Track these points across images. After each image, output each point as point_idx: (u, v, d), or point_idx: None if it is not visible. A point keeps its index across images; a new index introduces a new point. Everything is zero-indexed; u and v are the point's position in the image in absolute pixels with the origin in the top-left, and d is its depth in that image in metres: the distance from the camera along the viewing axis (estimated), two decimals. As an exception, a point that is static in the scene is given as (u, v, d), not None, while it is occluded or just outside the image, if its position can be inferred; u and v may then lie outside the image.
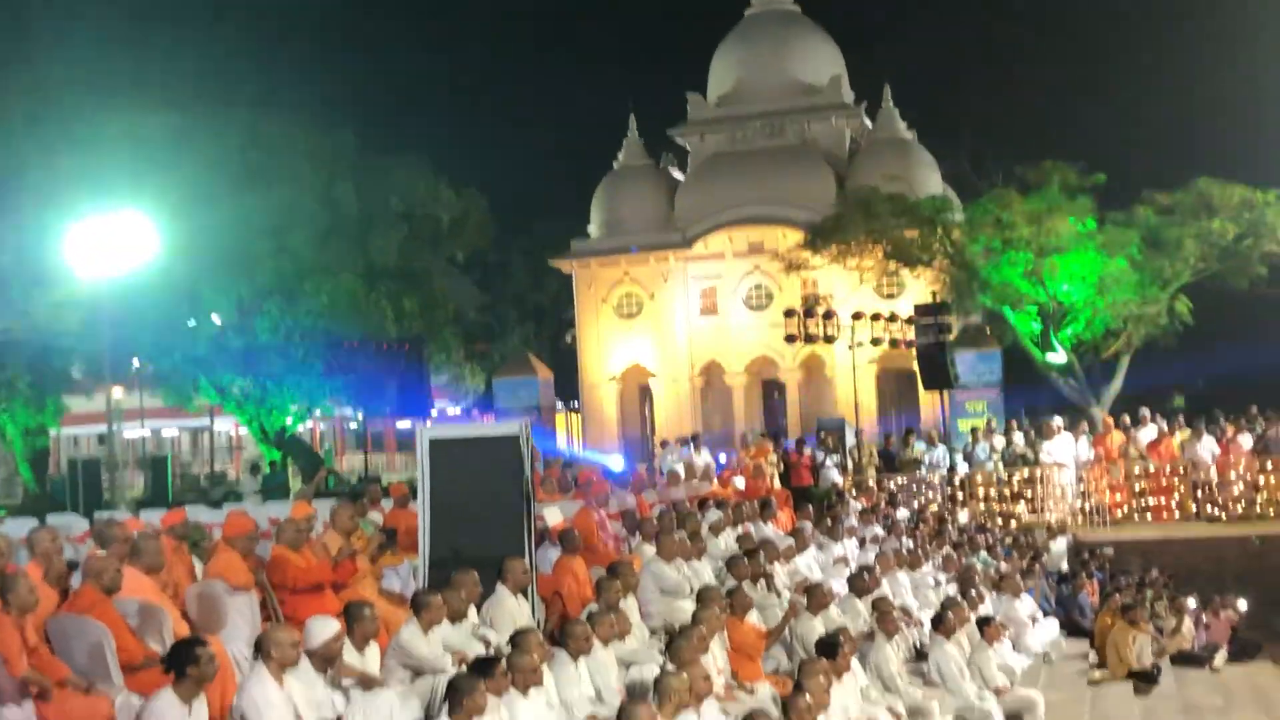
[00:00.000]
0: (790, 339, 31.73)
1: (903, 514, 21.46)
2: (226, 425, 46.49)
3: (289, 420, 33.65)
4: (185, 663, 7.32)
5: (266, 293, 30.73)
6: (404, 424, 42.34)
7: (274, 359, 31.14)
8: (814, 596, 12.89)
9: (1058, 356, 30.10)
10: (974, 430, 26.98)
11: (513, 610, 10.67)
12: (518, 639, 9.11)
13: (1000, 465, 25.19)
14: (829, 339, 31.13)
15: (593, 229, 48.18)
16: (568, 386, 47.46)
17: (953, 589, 15.87)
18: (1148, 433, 25.47)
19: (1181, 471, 24.12)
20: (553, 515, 15.36)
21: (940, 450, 25.92)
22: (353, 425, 50.77)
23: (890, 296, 38.87)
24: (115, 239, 25.01)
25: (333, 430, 52.50)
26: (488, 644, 9.86)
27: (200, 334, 30.80)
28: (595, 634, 10.03)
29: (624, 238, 46.53)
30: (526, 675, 8.83)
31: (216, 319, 30.84)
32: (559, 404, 43.45)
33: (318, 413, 37.86)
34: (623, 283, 46.93)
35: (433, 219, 34.05)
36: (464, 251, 38.09)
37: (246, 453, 44.43)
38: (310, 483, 22.93)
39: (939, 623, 13.46)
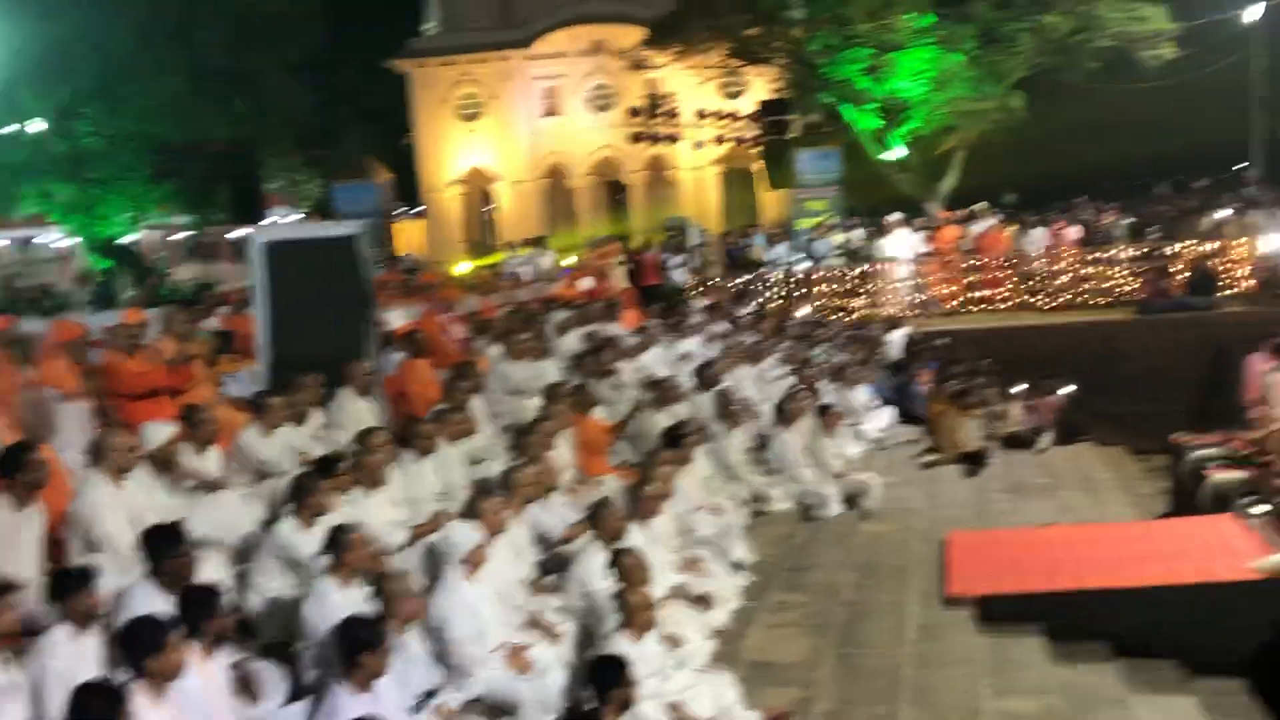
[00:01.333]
0: (635, 138, 31.45)
1: (746, 310, 21.75)
2: (55, 237, 44.70)
3: (119, 230, 32.45)
4: (13, 469, 7.12)
5: (87, 96, 29.29)
6: (239, 233, 41.24)
7: (99, 164, 29.88)
8: (659, 391, 13.08)
9: (896, 153, 30.40)
10: (814, 227, 27.30)
11: (357, 412, 10.60)
12: (362, 438, 9.06)
13: (839, 261, 25.61)
14: (672, 139, 30.94)
15: (430, 27, 46.66)
16: (411, 191, 46.57)
17: (793, 381, 16.24)
18: (980, 227, 26.09)
19: (1012, 263, 24.81)
20: (397, 319, 15.22)
21: (782, 248, 26.22)
22: (185, 235, 49.26)
23: (733, 96, 38.64)
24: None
25: (165, 240, 50.86)
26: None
27: (21, 140, 29.36)
28: (442, 433, 10.04)
29: (462, 35, 45.20)
30: (372, 474, 8.82)
31: (37, 124, 29.41)
32: (402, 209, 42.69)
33: (149, 222, 36.59)
34: (462, 83, 45.80)
35: (261, 15, 32.57)
36: (295, 52, 36.60)
37: (76, 264, 42.93)
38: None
39: (780, 413, 13.80)
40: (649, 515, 9.52)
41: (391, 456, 9.26)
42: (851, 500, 13.05)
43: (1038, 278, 24.56)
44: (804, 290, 24.71)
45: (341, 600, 7.12)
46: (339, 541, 7.37)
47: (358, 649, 6.44)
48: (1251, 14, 33.37)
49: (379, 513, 8.72)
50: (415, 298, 17.84)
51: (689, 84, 36.74)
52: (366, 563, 7.46)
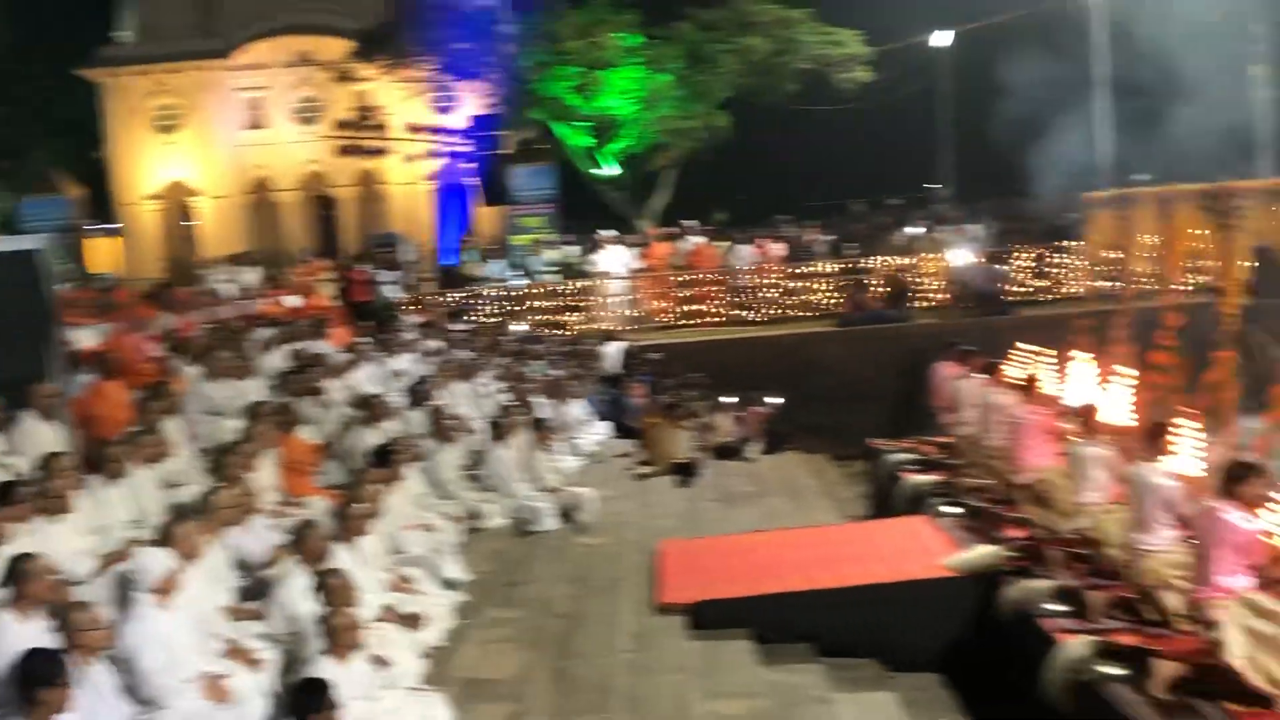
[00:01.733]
0: (343, 151, 30.79)
1: (460, 327, 21.58)
2: None
3: None
4: None
5: None
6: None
7: None
8: (368, 408, 12.81)
9: (608, 171, 30.79)
10: (529, 244, 27.36)
11: (39, 435, 9.94)
12: (45, 463, 8.52)
13: (554, 277, 25.73)
14: (382, 152, 30.45)
15: (125, 35, 44.53)
16: (106, 206, 44.30)
17: (508, 397, 16.18)
18: (691, 243, 26.66)
19: (722, 279, 25.43)
20: (87, 338, 14.39)
21: (497, 264, 26.15)
22: None
23: (445, 110, 38.31)
24: None
25: None
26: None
27: None
28: (133, 456, 9.53)
29: (159, 45, 43.31)
30: (56, 500, 8.28)
31: None
32: (96, 225, 40.57)
33: None
34: (158, 94, 43.87)
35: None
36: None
37: None
38: None
39: (494, 429, 13.72)
40: (356, 535, 9.27)
41: (78, 482, 8.73)
42: (567, 514, 13.05)
43: (746, 293, 25.23)
44: (519, 306, 24.69)
45: (21, 633, 6.64)
46: (18, 572, 6.90)
47: (37, 684, 6.04)
48: (940, 40, 35.30)
49: (64, 541, 8.19)
50: (107, 316, 16.90)
51: (399, 97, 36.28)
52: (48, 593, 6.98)
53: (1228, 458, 8.52)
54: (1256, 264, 12.47)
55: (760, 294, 25.25)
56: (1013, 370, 14.12)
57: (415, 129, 30.74)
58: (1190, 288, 15.73)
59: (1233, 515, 7.56)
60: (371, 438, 12.18)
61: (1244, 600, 7.50)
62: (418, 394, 14.35)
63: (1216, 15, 23.92)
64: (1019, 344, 14.88)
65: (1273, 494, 8.62)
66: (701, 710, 8.37)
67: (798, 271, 25.48)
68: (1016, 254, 25.19)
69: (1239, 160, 24.45)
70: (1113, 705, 7.66)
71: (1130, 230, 14.97)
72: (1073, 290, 23.61)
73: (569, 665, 9.03)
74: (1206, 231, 12.40)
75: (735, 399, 19.33)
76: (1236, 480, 7.69)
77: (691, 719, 8.25)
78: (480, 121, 29.60)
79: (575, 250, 26.79)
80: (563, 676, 8.84)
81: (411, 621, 8.94)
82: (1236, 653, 7.41)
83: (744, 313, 25.02)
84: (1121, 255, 16.05)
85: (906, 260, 25.71)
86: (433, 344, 18.58)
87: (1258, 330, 12.36)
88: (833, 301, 24.88)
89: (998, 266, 24.65)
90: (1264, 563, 8.29)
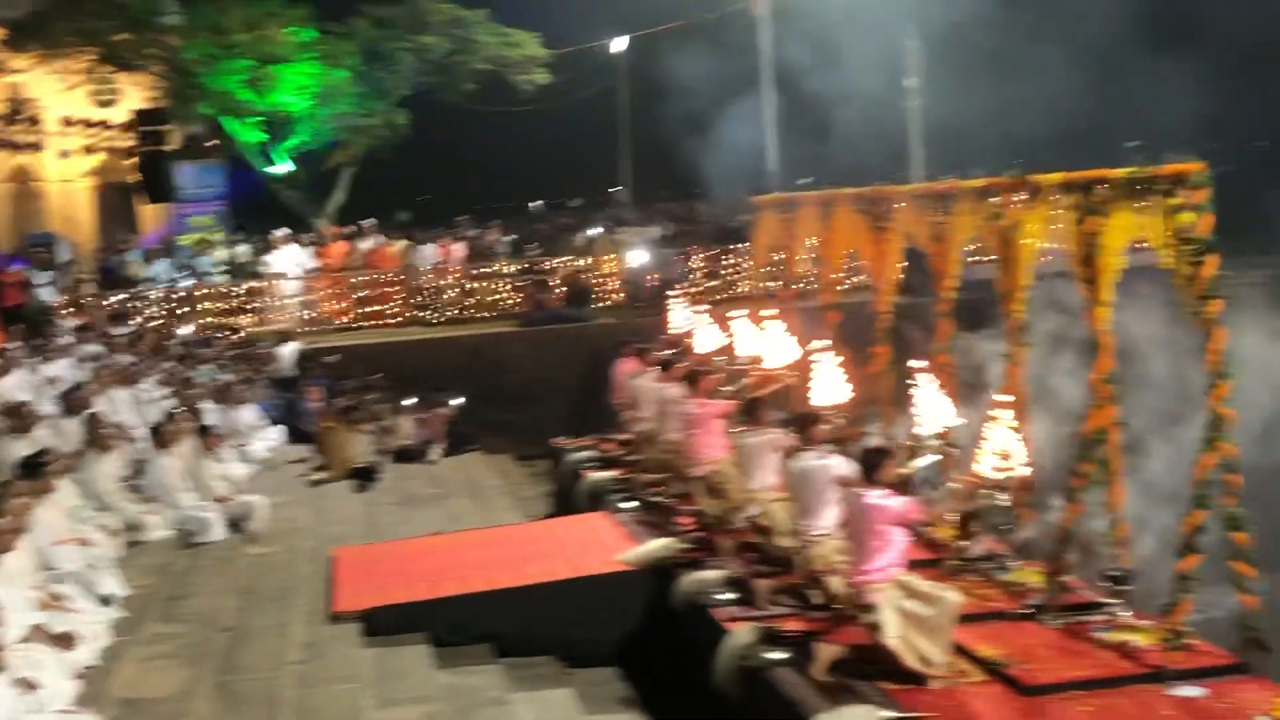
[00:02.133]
0: (-5, 147, 28.83)
1: (122, 330, 20.51)
2: None
3: None
4: None
5: None
6: None
7: None
8: (17, 417, 12.01)
9: (282, 168, 29.89)
10: (198, 244, 26.27)
11: None
12: None
13: (225, 278, 24.78)
14: (35, 147, 28.65)
15: None
16: None
17: (172, 403, 15.47)
18: (370, 243, 26.17)
19: (401, 279, 25.07)
20: None
21: (163, 265, 24.96)
22: None
23: (106, 104, 36.33)
24: None
25: None
26: None
27: None
28: None
29: None
30: None
31: None
32: None
33: None
34: None
35: None
36: None
37: None
38: None
39: (156, 436, 13.08)
40: (1, 551, 8.64)
41: None
42: (236, 523, 12.59)
43: (427, 293, 24.96)
44: (186, 308, 23.65)
45: None
46: None
47: None
48: (618, 45, 35.89)
49: None
50: None
51: (54, 90, 34.19)
52: None
53: (862, 446, 8.94)
54: (907, 264, 13.18)
55: (441, 295, 25.03)
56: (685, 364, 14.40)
57: (71, 123, 29.01)
58: (848, 287, 16.52)
59: (876, 498, 7.91)
60: (20, 448, 11.42)
61: (897, 582, 7.86)
62: (73, 401, 13.53)
63: (874, 30, 25.27)
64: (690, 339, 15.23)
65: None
66: (374, 718, 8.17)
67: (479, 272, 25.39)
68: (691, 255, 25.83)
69: (894, 166, 25.90)
70: (776, 689, 7.90)
71: (793, 232, 15.59)
72: (743, 291, 24.36)
73: (234, 680, 8.67)
74: (863, 234, 13.02)
75: (416, 401, 19.07)
76: (874, 466, 8.06)
77: (364, 728, 8.05)
78: (143, 115, 28.19)
79: (247, 250, 25.84)
80: (227, 691, 8.48)
81: (64, 641, 8.40)
82: (891, 634, 7.76)
83: (425, 314, 24.74)
84: (785, 256, 16.72)
85: (586, 261, 26.00)
86: (91, 348, 17.58)
87: (909, 326, 13.04)
88: (514, 302, 24.90)
89: (675, 258, 25.22)
90: (921, 526, 8.81)
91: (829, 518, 9.05)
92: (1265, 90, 32.84)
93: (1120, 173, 8.29)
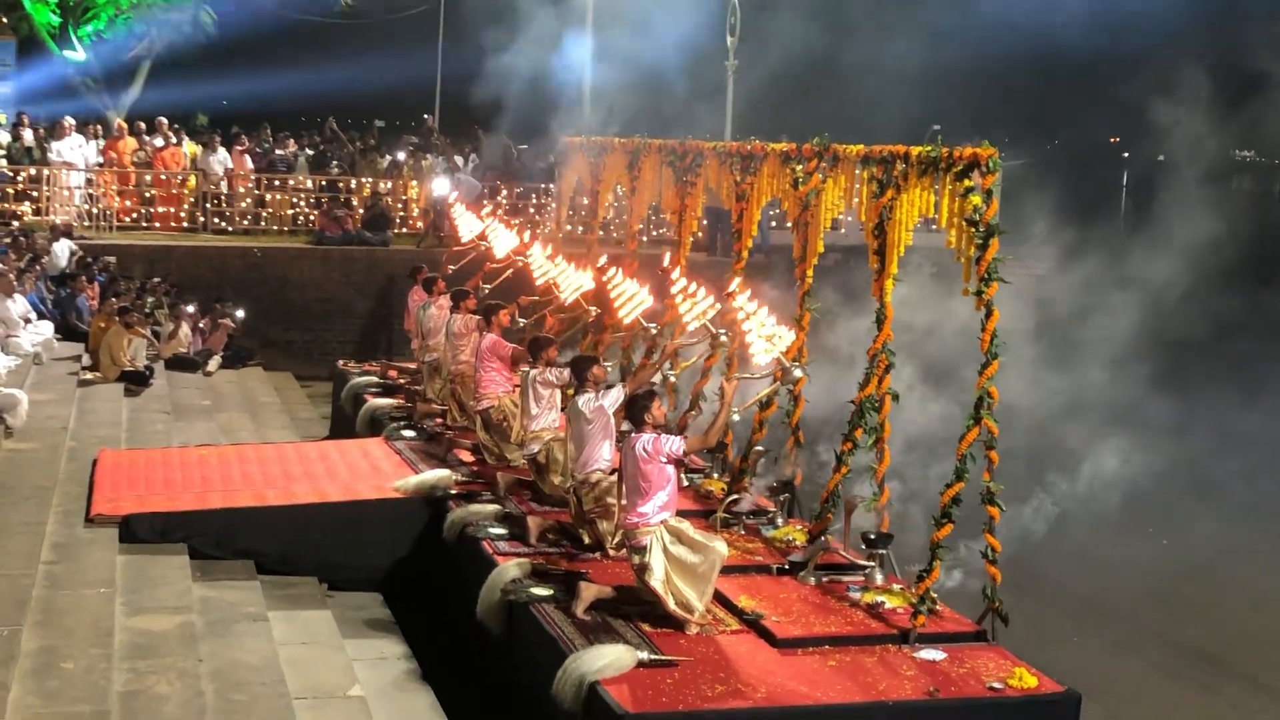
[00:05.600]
0: None
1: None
2: None
3: None
4: None
5: None
6: None
7: None
8: None
9: (76, 54, 28.43)
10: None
11: None
12: None
13: (4, 162, 23.51)
14: None
15: None
16: None
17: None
18: (161, 142, 25.10)
19: (192, 182, 24.18)
20: None
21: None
22: None
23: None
24: None
25: None
26: None
27: None
28: None
29: None
30: None
31: None
32: None
33: None
34: None
35: None
36: None
37: None
38: None
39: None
40: None
41: None
42: (-6, 417, 12.03)
43: (218, 200, 24.14)
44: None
45: None
46: None
47: None
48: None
49: None
50: None
51: None
52: None
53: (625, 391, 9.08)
54: (706, 222, 13.32)
55: (234, 203, 24.24)
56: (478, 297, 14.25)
57: None
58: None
59: (646, 440, 8.01)
60: None
61: (667, 527, 7.99)
62: None
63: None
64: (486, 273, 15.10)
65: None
66: (124, 624, 7.93)
67: (275, 183, 24.67)
68: (496, 189, 25.60)
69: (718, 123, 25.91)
70: (537, 624, 7.96)
71: (601, 177, 15.61)
72: (544, 231, 24.22)
73: (-20, 577, 8.31)
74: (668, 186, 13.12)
75: (197, 309, 18.52)
76: (640, 409, 8.18)
77: (114, 634, 7.79)
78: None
79: (29, 134, 24.52)
80: (-29, 589, 8.12)
81: None
82: (657, 577, 7.89)
83: (215, 220, 23.90)
84: (589, 201, 16.73)
85: (388, 184, 25.53)
86: None
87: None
88: (309, 219, 24.28)
89: (481, 189, 24.86)
90: (689, 461, 8.98)
91: (604, 459, 9.15)
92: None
93: (918, 150, 8.55)
